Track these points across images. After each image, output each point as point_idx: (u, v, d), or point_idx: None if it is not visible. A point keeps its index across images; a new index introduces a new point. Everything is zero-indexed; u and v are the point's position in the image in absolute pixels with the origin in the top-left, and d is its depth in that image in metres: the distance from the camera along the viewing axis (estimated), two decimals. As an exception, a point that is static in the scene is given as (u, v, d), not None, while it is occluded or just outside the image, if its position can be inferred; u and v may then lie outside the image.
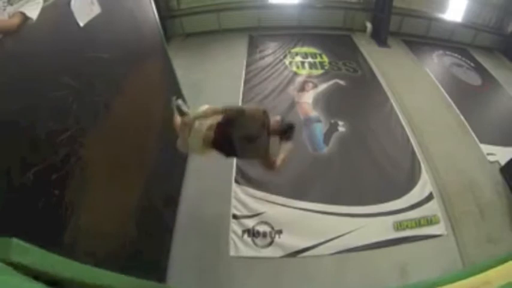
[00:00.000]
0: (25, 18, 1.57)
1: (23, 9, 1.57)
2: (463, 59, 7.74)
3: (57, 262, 1.34)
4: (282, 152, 2.42)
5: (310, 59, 6.84)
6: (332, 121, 5.17)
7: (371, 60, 6.89)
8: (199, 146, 2.27)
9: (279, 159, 2.42)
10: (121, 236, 2.49)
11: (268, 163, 2.36)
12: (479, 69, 7.43)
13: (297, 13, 7.98)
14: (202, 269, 3.38)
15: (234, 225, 3.73)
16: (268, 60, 6.70)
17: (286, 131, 2.29)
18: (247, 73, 6.17)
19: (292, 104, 5.49)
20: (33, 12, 1.60)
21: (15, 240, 1.17)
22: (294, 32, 7.74)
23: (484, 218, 4.00)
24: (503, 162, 4.64)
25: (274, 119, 2.34)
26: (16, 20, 1.55)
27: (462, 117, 5.54)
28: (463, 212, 4.02)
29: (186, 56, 6.67)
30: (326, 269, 3.45)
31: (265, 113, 2.27)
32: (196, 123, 2.23)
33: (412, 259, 3.52)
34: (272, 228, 3.72)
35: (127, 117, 2.69)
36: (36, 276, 1.20)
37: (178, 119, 2.52)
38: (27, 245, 1.21)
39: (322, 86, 6.00)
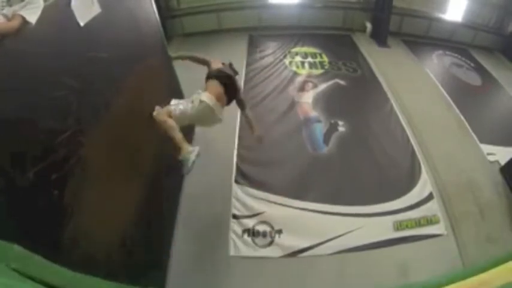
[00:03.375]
0: (24, 21, 1.57)
1: (22, 13, 1.56)
2: (463, 59, 7.73)
3: (55, 271, 1.34)
4: (253, 123, 3.30)
5: (310, 59, 6.84)
6: (332, 121, 5.16)
7: (371, 60, 6.87)
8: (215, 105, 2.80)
9: (256, 130, 3.30)
10: (121, 235, 2.49)
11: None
12: (479, 69, 7.42)
13: (296, 13, 7.97)
14: (202, 269, 3.38)
15: (234, 225, 3.73)
16: (268, 60, 6.69)
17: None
18: (247, 73, 6.15)
19: (292, 104, 5.48)
20: (32, 16, 1.60)
21: (16, 246, 1.17)
22: (293, 32, 7.72)
23: (484, 218, 4.00)
24: (503, 162, 4.63)
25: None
26: (16, 23, 1.54)
27: (462, 117, 5.53)
28: (463, 212, 4.02)
29: (186, 55, 6.65)
30: (326, 269, 3.45)
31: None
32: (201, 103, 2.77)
33: (412, 259, 3.52)
34: (272, 228, 3.72)
35: (127, 117, 2.69)
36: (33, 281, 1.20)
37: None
38: (27, 252, 1.20)
39: (322, 86, 5.99)
